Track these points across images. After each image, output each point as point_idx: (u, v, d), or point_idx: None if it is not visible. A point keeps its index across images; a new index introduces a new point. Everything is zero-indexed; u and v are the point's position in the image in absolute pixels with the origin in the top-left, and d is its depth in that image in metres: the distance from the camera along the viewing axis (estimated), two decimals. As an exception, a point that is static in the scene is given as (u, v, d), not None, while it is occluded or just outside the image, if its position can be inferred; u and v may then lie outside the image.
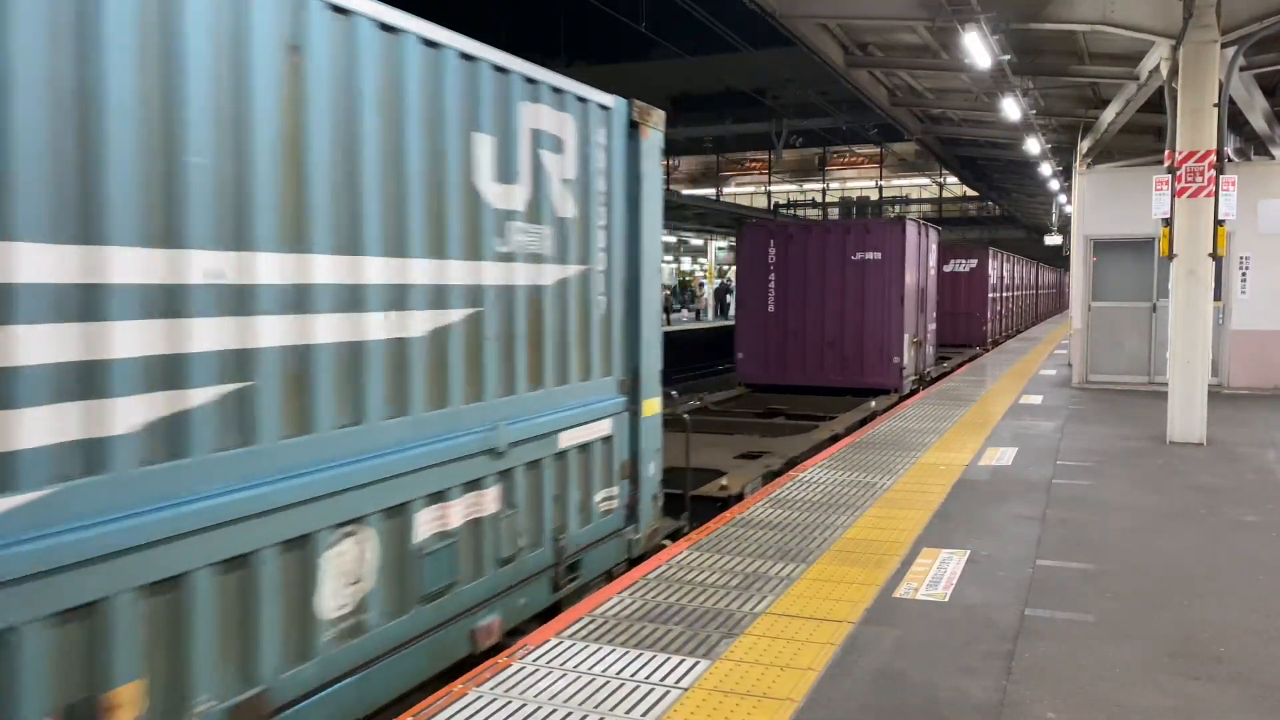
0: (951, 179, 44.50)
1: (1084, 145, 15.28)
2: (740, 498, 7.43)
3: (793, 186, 59.21)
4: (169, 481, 2.97)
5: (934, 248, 15.51)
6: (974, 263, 23.26)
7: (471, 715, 3.36)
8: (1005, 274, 26.53)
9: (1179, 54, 8.82)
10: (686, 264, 53.73)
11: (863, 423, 11.30)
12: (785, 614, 4.37)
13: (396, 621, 3.94)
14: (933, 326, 15.61)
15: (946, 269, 22.35)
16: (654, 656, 3.87)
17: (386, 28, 3.86)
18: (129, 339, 2.86)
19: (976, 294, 23.14)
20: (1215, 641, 4.11)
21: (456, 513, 4.27)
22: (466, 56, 4.34)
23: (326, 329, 3.60)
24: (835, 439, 9.79)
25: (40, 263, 2.61)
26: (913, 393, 13.80)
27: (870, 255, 13.28)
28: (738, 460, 8.69)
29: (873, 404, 12.05)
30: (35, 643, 2.59)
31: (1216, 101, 8.69)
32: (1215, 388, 11.19)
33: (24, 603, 2.55)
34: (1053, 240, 33.87)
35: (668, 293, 43.06)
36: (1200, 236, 8.78)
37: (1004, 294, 26.10)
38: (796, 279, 13.67)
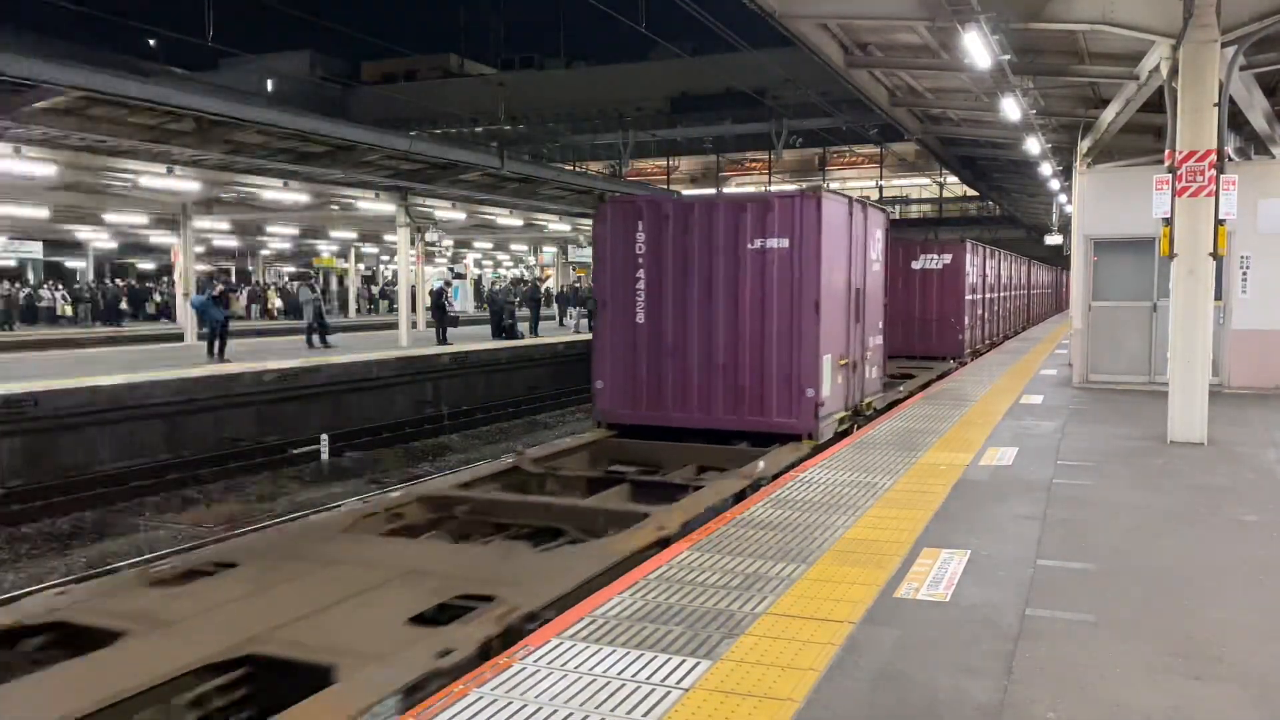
0: (952, 179, 44.51)
1: (1084, 145, 15.27)
2: None
3: (793, 187, 59.21)
4: None
5: (879, 234, 11.55)
6: (948, 258, 19.57)
7: (473, 715, 3.37)
8: (989, 272, 22.92)
9: (1179, 53, 8.81)
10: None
11: (736, 499, 7.27)
12: (786, 614, 4.37)
13: None
14: (878, 340, 11.70)
15: (915, 266, 19.39)
16: (655, 657, 3.88)
17: None
18: None
19: (950, 295, 19.47)
20: (1216, 641, 4.11)
21: None
22: None
23: None
24: (665, 544, 5.97)
25: None
26: (842, 435, 9.93)
27: (774, 243, 9.33)
28: (408, 629, 4.72)
29: (760, 465, 8.12)
30: None
31: (1216, 101, 8.68)
32: (1216, 387, 11.19)
33: None
34: (1053, 240, 33.87)
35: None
36: (1200, 236, 8.78)
37: (987, 295, 22.55)
38: (675, 277, 9.69)
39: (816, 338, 9.26)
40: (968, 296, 19.73)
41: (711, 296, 9.60)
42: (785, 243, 9.33)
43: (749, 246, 9.46)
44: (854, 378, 10.57)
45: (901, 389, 14.04)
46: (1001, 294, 25.36)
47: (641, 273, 9.87)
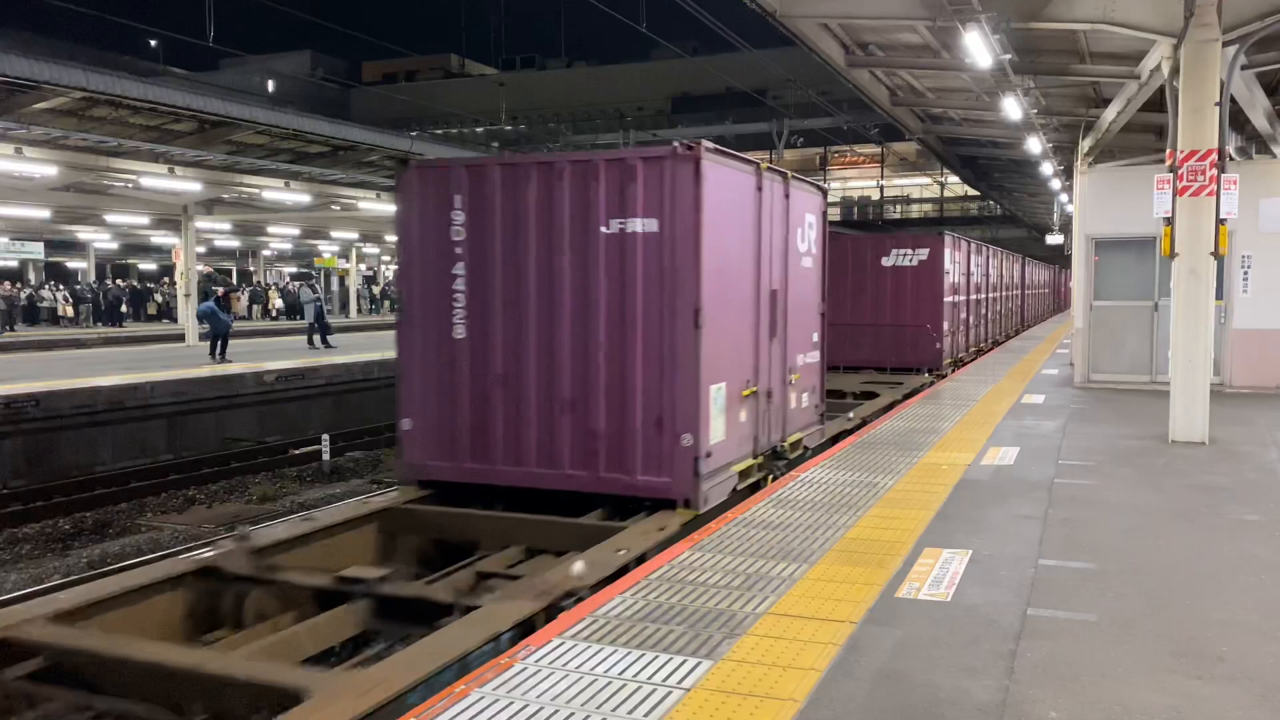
0: (953, 179, 44.50)
1: (1085, 144, 15.27)
2: None
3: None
4: None
5: (813, 218, 8.97)
6: (924, 254, 16.71)
7: (474, 715, 3.37)
8: (974, 269, 20.09)
9: (1180, 53, 8.81)
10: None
11: (521, 633, 4.54)
12: (787, 614, 4.37)
13: None
14: (810, 359, 9.09)
15: (886, 263, 16.74)
16: (656, 657, 3.88)
17: None
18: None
19: (926, 297, 16.62)
20: (1217, 641, 4.11)
21: None
22: None
23: None
24: None
25: None
26: (751, 490, 7.43)
27: (638, 224, 6.65)
28: None
29: (576, 567, 5.32)
30: None
31: (1218, 100, 8.68)
32: (1217, 387, 11.19)
33: None
34: (1054, 239, 33.91)
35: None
36: (1202, 235, 8.78)
37: (972, 296, 19.86)
38: (506, 273, 6.99)
39: (696, 360, 6.52)
40: (947, 298, 17.09)
41: (554, 302, 6.87)
42: (653, 224, 6.60)
43: (603, 230, 6.71)
44: (768, 412, 7.91)
45: (851, 416, 11.13)
46: (990, 295, 22.73)
47: (461, 267, 7.10)
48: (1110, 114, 13.80)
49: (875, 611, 4.41)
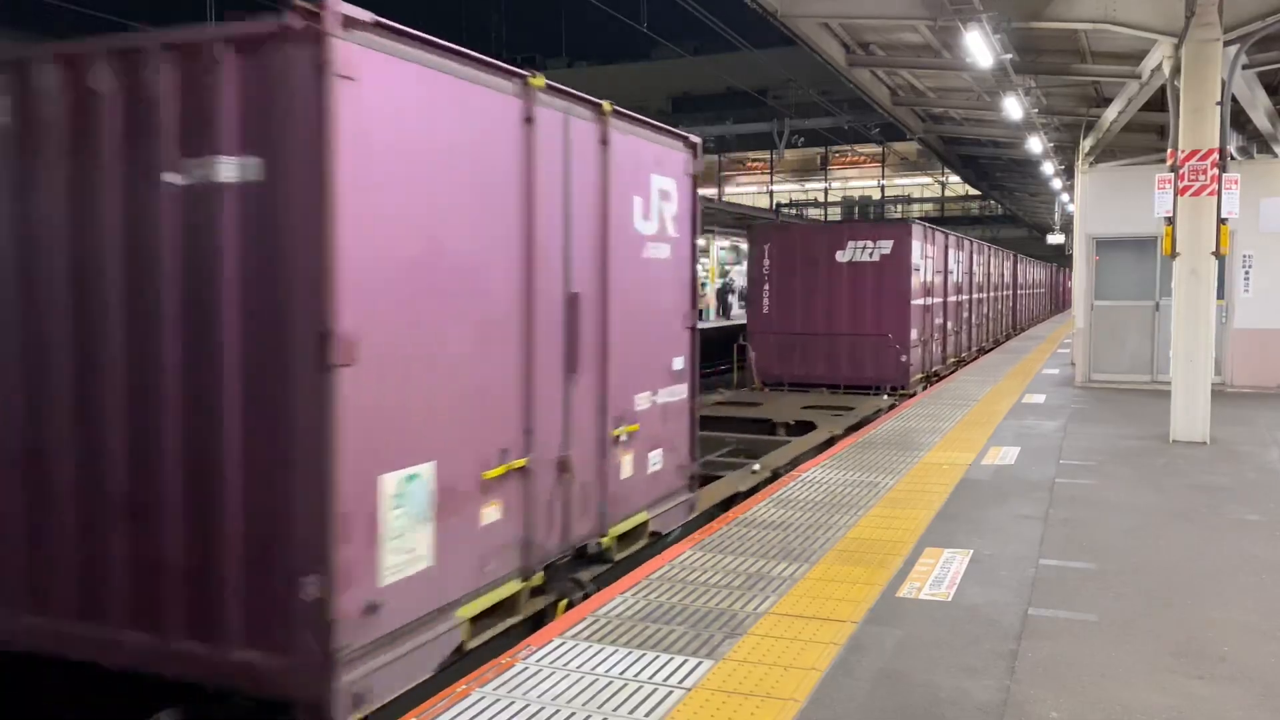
0: (954, 178, 44.52)
1: (1086, 144, 15.28)
2: None
3: (795, 186, 59.35)
4: None
5: (670, 182, 6.06)
6: (887, 247, 13.83)
7: (475, 715, 3.37)
8: (953, 266, 17.06)
9: (1181, 52, 8.81)
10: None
11: None
12: (788, 614, 4.37)
13: None
14: (666, 398, 6.08)
15: (841, 257, 13.88)
16: (657, 657, 3.88)
17: None
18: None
19: (890, 299, 13.78)
20: (1218, 641, 4.11)
21: None
22: None
23: None
24: None
25: None
26: (531, 627, 4.55)
27: (230, 169, 3.57)
28: None
29: None
30: None
31: (1219, 100, 8.68)
32: (1218, 386, 11.18)
33: None
34: (1055, 239, 33.92)
35: None
36: (1203, 235, 8.78)
37: (951, 298, 16.89)
38: (18, 259, 3.93)
39: (328, 430, 3.45)
40: (917, 301, 14.24)
41: (91, 316, 3.86)
42: (256, 167, 3.58)
43: (168, 179, 3.69)
44: (563, 494, 4.98)
45: (758, 468, 8.46)
46: (974, 296, 19.79)
47: (17, 256, 4.01)
48: (1111, 113, 13.80)
49: (876, 611, 4.41)
